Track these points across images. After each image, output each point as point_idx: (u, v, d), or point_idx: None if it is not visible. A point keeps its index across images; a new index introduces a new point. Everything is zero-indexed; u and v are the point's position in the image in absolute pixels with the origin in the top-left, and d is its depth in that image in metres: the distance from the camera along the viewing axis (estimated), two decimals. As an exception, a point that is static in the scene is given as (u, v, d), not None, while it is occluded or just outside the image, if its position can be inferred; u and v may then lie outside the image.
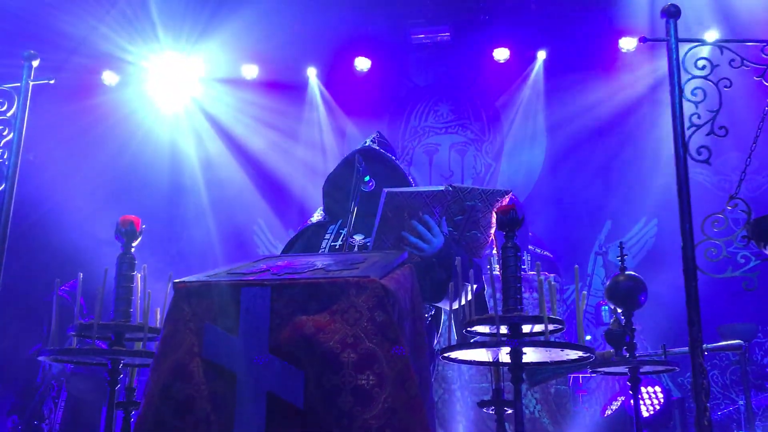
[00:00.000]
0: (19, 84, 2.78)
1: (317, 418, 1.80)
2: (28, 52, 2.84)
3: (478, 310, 2.21)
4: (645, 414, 5.75)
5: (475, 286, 2.60)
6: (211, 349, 1.90)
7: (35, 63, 2.83)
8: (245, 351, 1.88)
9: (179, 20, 7.66)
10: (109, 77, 7.89)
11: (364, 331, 1.84)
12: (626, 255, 3.05)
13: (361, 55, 8.16)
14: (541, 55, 8.13)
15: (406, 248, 2.56)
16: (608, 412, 6.05)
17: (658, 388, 5.88)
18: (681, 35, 2.41)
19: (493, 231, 2.71)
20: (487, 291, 2.67)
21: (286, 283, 1.95)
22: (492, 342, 2.11)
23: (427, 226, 2.58)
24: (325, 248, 2.83)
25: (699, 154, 2.24)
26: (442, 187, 2.61)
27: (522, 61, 8.21)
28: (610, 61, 7.85)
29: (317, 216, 3.11)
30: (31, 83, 2.79)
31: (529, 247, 6.91)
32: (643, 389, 5.78)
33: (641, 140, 7.73)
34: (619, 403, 5.93)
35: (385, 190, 2.57)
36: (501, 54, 8.06)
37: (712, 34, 6.69)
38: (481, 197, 2.64)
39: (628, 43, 7.61)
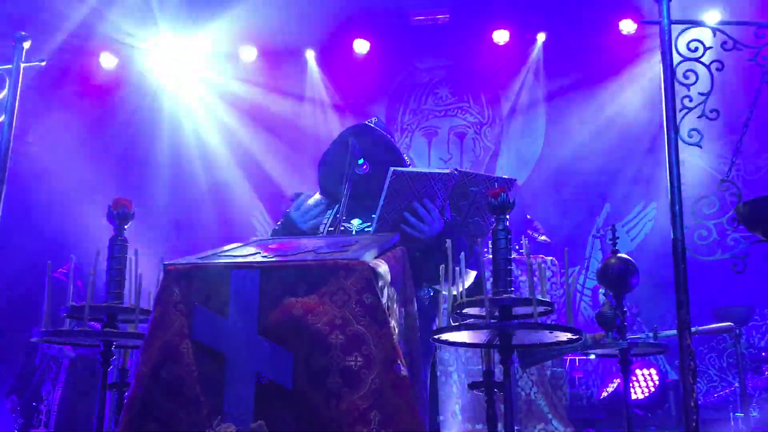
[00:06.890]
0: (10, 66, 2.77)
1: (306, 398, 1.82)
2: (19, 34, 2.82)
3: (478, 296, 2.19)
4: (640, 396, 5.79)
5: (475, 273, 2.59)
6: (201, 331, 1.91)
7: (26, 45, 2.81)
8: (235, 333, 1.89)
9: (177, 2, 7.61)
10: (106, 60, 7.86)
11: (352, 313, 1.86)
12: (623, 238, 3.05)
13: (360, 37, 8.12)
14: (541, 37, 8.08)
15: (404, 228, 2.56)
16: (604, 394, 6.09)
17: (653, 371, 5.91)
18: (682, 17, 2.39)
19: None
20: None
21: (275, 266, 1.96)
22: (481, 324, 2.11)
23: (428, 209, 2.58)
24: (323, 232, 2.81)
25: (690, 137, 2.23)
26: (447, 170, 2.61)
27: (522, 43, 8.16)
28: (610, 43, 7.80)
29: (315, 198, 3.07)
30: (23, 65, 2.78)
31: (528, 231, 6.90)
32: (638, 371, 5.82)
33: (640, 123, 7.69)
34: (615, 385, 5.96)
35: (392, 169, 2.56)
36: (501, 36, 8.01)
37: (713, 16, 6.64)
38: (486, 184, 2.65)
39: (628, 26, 7.56)
